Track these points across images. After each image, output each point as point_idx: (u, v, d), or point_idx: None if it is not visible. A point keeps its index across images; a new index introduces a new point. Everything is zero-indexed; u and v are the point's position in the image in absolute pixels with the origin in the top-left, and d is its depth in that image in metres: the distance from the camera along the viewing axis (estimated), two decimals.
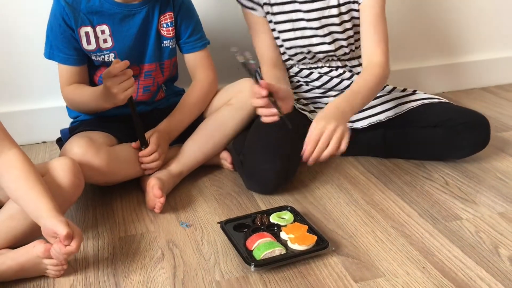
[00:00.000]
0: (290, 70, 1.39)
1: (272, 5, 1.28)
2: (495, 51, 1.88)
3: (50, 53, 1.22)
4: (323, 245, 0.98)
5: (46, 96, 1.50)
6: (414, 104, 1.30)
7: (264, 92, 1.05)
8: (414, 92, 1.36)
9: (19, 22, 1.44)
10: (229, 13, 1.53)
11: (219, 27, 1.54)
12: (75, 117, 1.32)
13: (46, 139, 1.54)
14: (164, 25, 1.27)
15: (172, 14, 1.27)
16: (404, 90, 1.37)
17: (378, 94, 1.36)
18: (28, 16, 1.43)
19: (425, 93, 1.35)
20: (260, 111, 1.08)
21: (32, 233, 0.97)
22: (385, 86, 1.38)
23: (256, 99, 1.07)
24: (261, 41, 1.33)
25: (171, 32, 1.28)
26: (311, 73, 1.37)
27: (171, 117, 1.28)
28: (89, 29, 1.19)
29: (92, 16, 1.19)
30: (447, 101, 1.32)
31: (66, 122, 1.33)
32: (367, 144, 1.36)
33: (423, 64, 1.82)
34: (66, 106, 1.31)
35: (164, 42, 1.28)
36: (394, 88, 1.38)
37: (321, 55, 1.33)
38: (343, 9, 1.27)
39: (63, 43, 1.20)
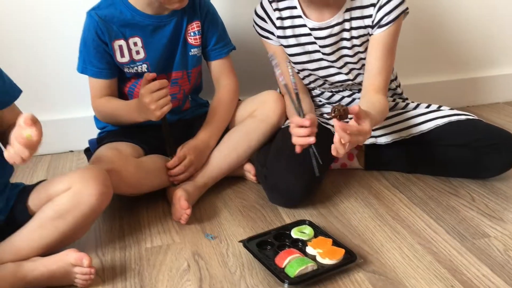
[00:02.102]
0: (312, 92, 1.40)
1: (287, 37, 1.28)
2: None
3: (83, 68, 1.24)
4: (352, 258, 0.98)
5: (74, 106, 1.53)
6: (440, 122, 1.29)
7: (307, 123, 1.05)
8: (439, 108, 1.34)
9: (50, 36, 1.47)
10: (251, 23, 1.54)
11: (243, 37, 1.55)
12: (102, 127, 1.34)
13: (73, 149, 1.57)
14: (192, 33, 1.29)
15: (199, 22, 1.29)
16: (428, 106, 1.36)
17: (403, 110, 1.36)
18: (59, 30, 1.47)
19: (450, 109, 1.34)
20: (297, 140, 1.07)
21: (62, 242, 0.99)
22: (408, 103, 1.38)
23: (298, 128, 1.06)
24: (280, 68, 1.33)
25: (198, 41, 1.30)
26: (333, 95, 1.37)
27: (206, 127, 1.29)
28: (122, 42, 1.22)
29: (124, 29, 1.22)
30: (474, 117, 1.30)
31: (93, 132, 1.35)
32: (391, 160, 1.36)
33: (447, 78, 1.80)
34: (94, 116, 1.34)
35: (192, 50, 1.30)
36: (418, 105, 1.37)
37: (339, 84, 1.33)
38: (356, 41, 1.26)
39: (96, 57, 1.22)
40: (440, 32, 1.76)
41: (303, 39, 1.27)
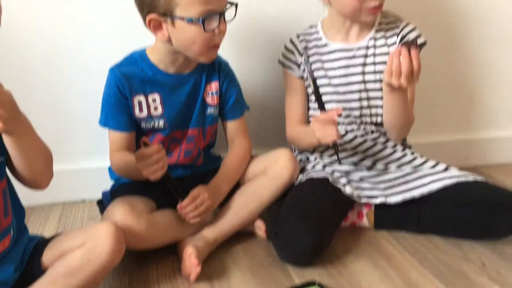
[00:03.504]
0: None
1: (312, 63, 1.39)
2: None
3: (105, 121, 1.28)
4: None
5: (88, 156, 1.56)
6: (448, 182, 1.31)
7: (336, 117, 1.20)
8: (447, 169, 1.36)
9: (67, 87, 1.51)
10: (267, 80, 1.60)
11: (257, 95, 1.59)
12: (116, 179, 1.36)
13: (86, 198, 1.59)
14: (210, 93, 1.33)
15: (218, 83, 1.34)
16: (435, 165, 1.38)
17: (412, 170, 1.38)
18: (76, 83, 1.51)
19: (459, 170, 1.36)
20: (326, 132, 1.22)
21: None
22: (416, 157, 1.41)
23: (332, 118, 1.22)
24: (294, 99, 1.44)
25: (216, 100, 1.34)
26: (346, 133, 1.41)
27: (218, 176, 1.31)
28: (142, 97, 1.26)
29: (145, 85, 1.26)
30: (482, 179, 1.32)
31: (105, 182, 1.37)
32: (401, 219, 1.36)
33: (456, 137, 1.83)
34: (109, 167, 1.36)
35: (209, 109, 1.34)
36: (425, 161, 1.40)
37: (353, 114, 1.39)
38: (380, 67, 1.36)
39: (117, 111, 1.26)
40: (450, 91, 1.79)
41: (327, 65, 1.39)
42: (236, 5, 1.21)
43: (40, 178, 0.98)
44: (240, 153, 1.37)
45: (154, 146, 1.13)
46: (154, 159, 1.13)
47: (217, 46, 1.23)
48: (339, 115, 1.27)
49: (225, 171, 1.33)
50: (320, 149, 1.44)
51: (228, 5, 1.20)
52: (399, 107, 1.29)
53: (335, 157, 1.42)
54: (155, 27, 1.19)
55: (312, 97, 1.43)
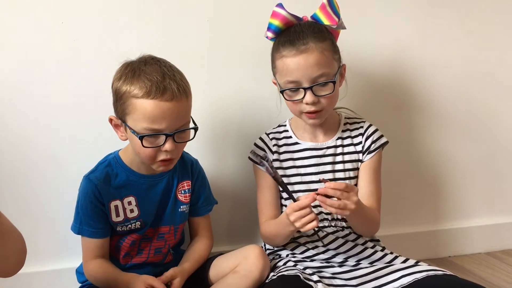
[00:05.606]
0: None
1: (282, 160, 1.43)
2: (499, 216, 1.91)
3: (80, 229, 1.28)
4: None
5: (53, 258, 1.51)
6: (418, 276, 1.31)
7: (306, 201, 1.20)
8: (417, 264, 1.37)
9: (43, 186, 1.50)
10: (236, 177, 1.63)
11: (227, 193, 1.62)
12: (83, 281, 1.33)
13: None
14: (182, 191, 1.36)
15: (190, 182, 1.37)
16: (405, 260, 1.39)
17: (384, 265, 1.38)
18: (51, 181, 1.51)
19: (428, 265, 1.37)
20: (304, 220, 1.21)
21: None
22: (387, 254, 1.42)
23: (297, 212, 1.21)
24: (266, 195, 1.45)
25: (187, 198, 1.37)
26: (318, 231, 1.41)
27: (190, 263, 1.33)
28: (118, 202, 1.28)
29: (120, 190, 1.28)
30: (451, 273, 1.33)
31: (73, 284, 1.34)
32: None
33: (428, 228, 1.84)
34: (76, 269, 1.34)
35: (181, 207, 1.36)
36: (396, 257, 1.41)
37: (329, 216, 1.41)
38: (349, 165, 1.41)
39: (93, 218, 1.26)
40: (420, 183, 1.83)
41: (298, 162, 1.43)
42: (196, 129, 1.24)
43: (12, 269, 0.94)
44: (208, 242, 1.40)
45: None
46: None
47: (165, 161, 1.21)
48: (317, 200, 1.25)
49: (197, 254, 1.36)
50: (291, 246, 1.44)
51: (184, 126, 1.20)
52: (355, 219, 1.36)
53: (306, 253, 1.43)
54: (115, 126, 1.25)
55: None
